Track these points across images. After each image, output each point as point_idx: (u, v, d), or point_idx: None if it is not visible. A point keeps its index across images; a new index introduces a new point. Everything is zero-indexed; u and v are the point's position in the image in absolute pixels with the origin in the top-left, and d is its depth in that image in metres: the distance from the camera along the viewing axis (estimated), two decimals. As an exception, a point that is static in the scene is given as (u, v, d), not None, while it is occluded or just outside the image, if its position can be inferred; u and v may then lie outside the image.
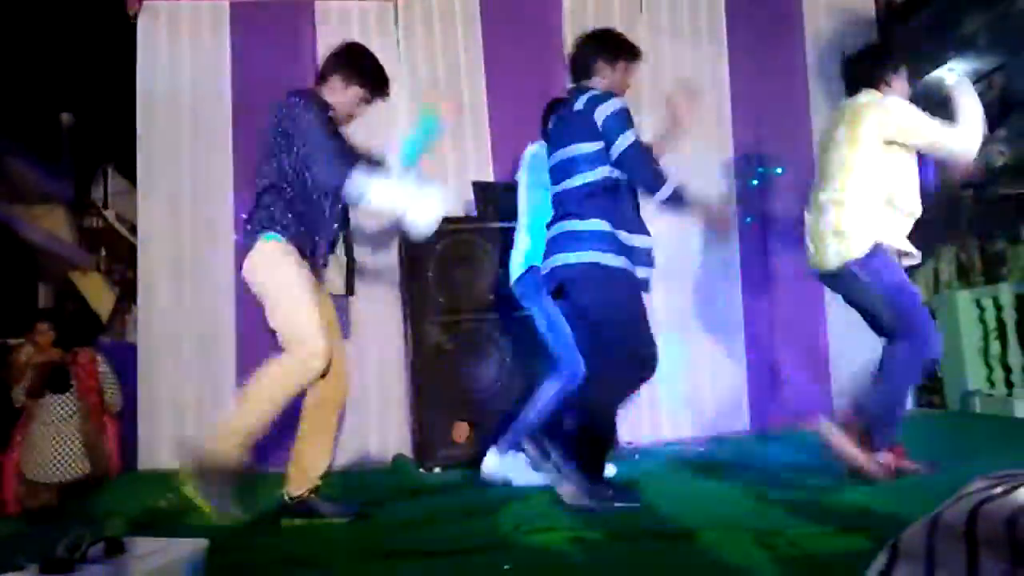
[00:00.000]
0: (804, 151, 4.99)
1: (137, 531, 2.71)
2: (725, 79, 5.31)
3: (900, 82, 3.42)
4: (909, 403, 3.27)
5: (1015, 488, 0.94)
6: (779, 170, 5.22)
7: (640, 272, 3.06)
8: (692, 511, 2.83)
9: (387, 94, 3.17)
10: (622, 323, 3.03)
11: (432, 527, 2.90)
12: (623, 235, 3.03)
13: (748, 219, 5.25)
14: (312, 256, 2.97)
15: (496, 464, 3.60)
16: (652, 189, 3.05)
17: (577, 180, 3.08)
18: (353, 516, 3.05)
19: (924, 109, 3.36)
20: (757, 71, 5.27)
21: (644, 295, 3.09)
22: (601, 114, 3.02)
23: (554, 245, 3.13)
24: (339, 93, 3.06)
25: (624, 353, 3.02)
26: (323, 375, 2.89)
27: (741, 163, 5.21)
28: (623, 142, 2.98)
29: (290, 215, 2.89)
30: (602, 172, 3.04)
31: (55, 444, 4.59)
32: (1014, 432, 4.46)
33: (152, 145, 4.87)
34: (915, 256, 3.43)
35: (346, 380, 3.12)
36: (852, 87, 3.47)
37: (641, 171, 3.04)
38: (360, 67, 3.10)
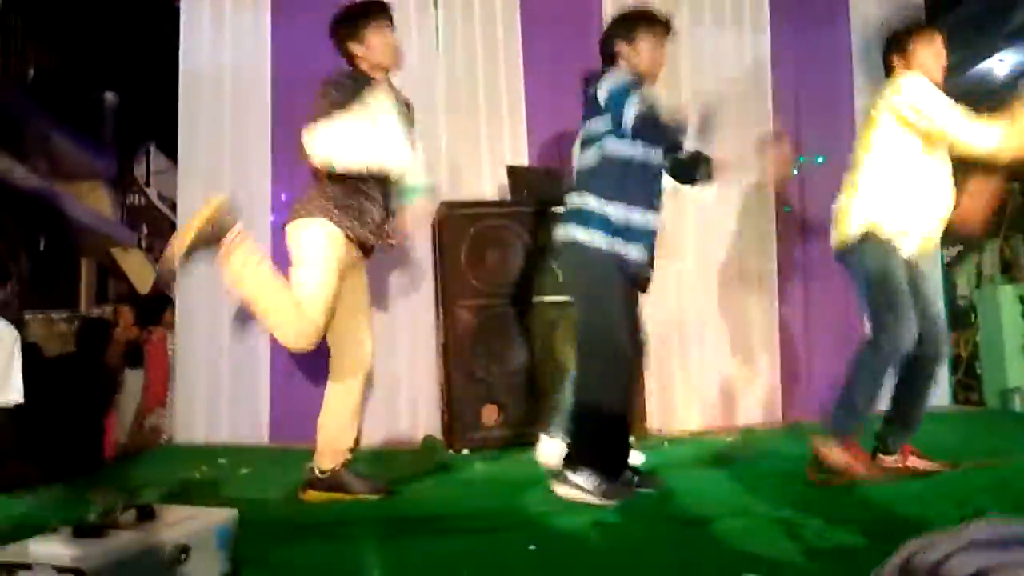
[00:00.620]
0: (846, 141, 4.87)
1: (171, 500, 2.77)
2: (767, 67, 5.23)
3: (928, 56, 3.21)
4: (879, 402, 3.10)
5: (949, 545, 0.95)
6: (820, 159, 5.14)
7: (632, 251, 2.93)
8: (719, 500, 2.82)
9: (389, 13, 3.19)
10: (593, 306, 2.94)
11: (458, 506, 2.91)
12: (619, 209, 2.90)
13: (787, 208, 5.19)
14: (360, 241, 3.06)
15: (551, 450, 3.44)
16: (674, 147, 3.03)
17: (584, 158, 3.05)
18: (382, 493, 3.08)
19: (973, 99, 3.25)
20: (800, 59, 5.20)
21: (639, 275, 2.99)
22: (604, 92, 2.96)
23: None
24: (360, 50, 3.14)
25: (595, 340, 2.92)
26: (348, 353, 3.09)
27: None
28: (628, 113, 2.87)
29: (343, 203, 3.00)
30: (607, 148, 2.96)
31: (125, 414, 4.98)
32: (1054, 431, 4.38)
33: (193, 124, 4.93)
34: (925, 252, 3.23)
35: (368, 355, 3.16)
36: (886, 70, 3.38)
37: (654, 134, 2.92)
38: (355, 15, 3.18)
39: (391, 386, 4.70)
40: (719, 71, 5.16)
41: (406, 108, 3.20)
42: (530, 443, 3.91)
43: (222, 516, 1.94)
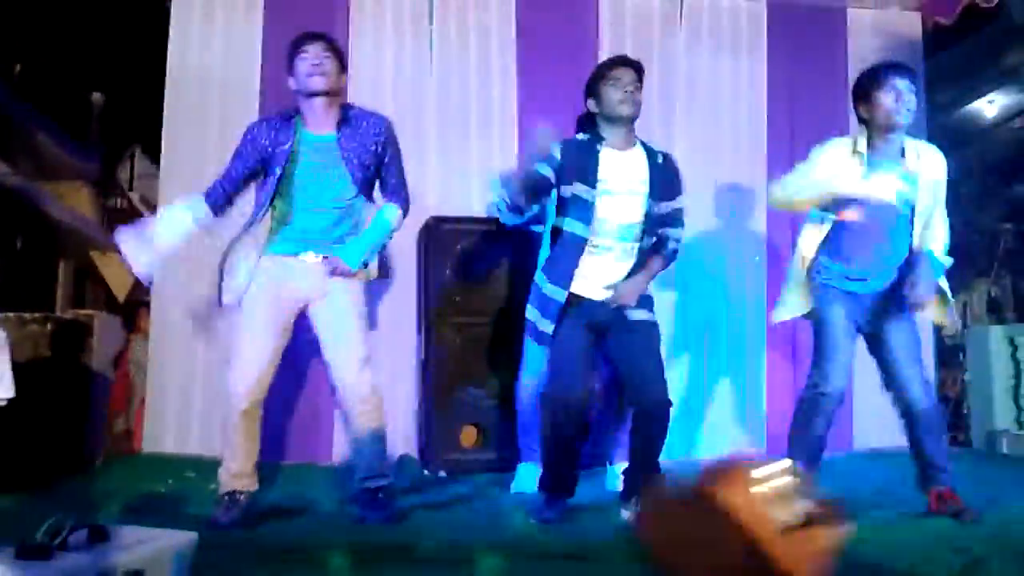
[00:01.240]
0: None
1: (131, 515, 2.64)
2: (763, 95, 5.19)
3: (870, 112, 3.10)
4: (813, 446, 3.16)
5: None
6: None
7: (540, 323, 3.02)
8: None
9: (311, 39, 3.02)
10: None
11: (431, 532, 2.79)
12: (559, 292, 3.00)
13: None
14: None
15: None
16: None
17: None
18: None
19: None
20: (796, 89, 5.15)
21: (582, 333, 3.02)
22: None
23: None
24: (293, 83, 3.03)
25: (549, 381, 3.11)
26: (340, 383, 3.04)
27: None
28: None
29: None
30: (551, 221, 3.10)
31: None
32: (1042, 475, 4.31)
33: (177, 128, 4.81)
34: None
35: (349, 375, 3.01)
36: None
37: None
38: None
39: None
40: (715, 97, 5.11)
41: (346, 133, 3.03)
42: (510, 468, 3.82)
43: (180, 540, 1.82)
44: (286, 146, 2.93)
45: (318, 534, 2.75)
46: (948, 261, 3.15)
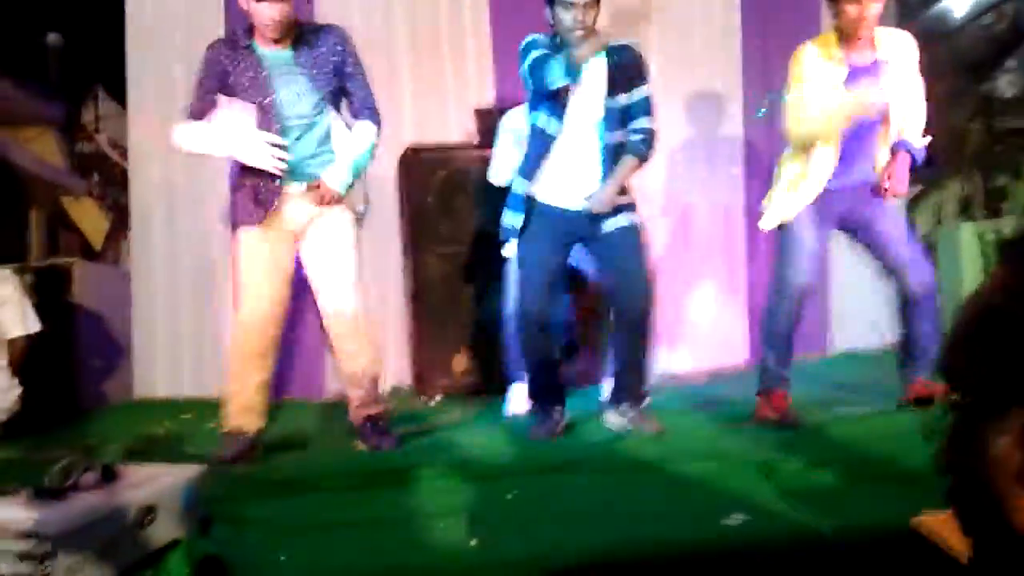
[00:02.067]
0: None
1: (132, 459, 2.70)
2: (736, 22, 5.09)
3: (836, 18, 3.05)
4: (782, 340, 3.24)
5: None
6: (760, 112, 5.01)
7: (509, 217, 3.09)
8: (695, 445, 2.82)
9: None
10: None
11: (430, 456, 2.87)
12: (524, 184, 3.06)
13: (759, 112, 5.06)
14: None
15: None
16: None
17: None
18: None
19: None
20: (770, 15, 5.07)
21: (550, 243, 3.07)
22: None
23: None
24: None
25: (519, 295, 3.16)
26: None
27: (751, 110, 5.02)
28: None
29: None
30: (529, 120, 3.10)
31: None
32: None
33: (142, 66, 4.72)
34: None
35: (339, 303, 3.03)
36: None
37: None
38: None
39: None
40: (687, 38, 5.00)
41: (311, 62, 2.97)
42: (501, 390, 3.91)
43: (188, 474, 1.87)
44: (250, 73, 2.90)
45: (319, 464, 2.82)
46: (924, 142, 3.19)
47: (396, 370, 4.61)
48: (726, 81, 4.97)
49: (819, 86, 3.02)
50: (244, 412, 2.94)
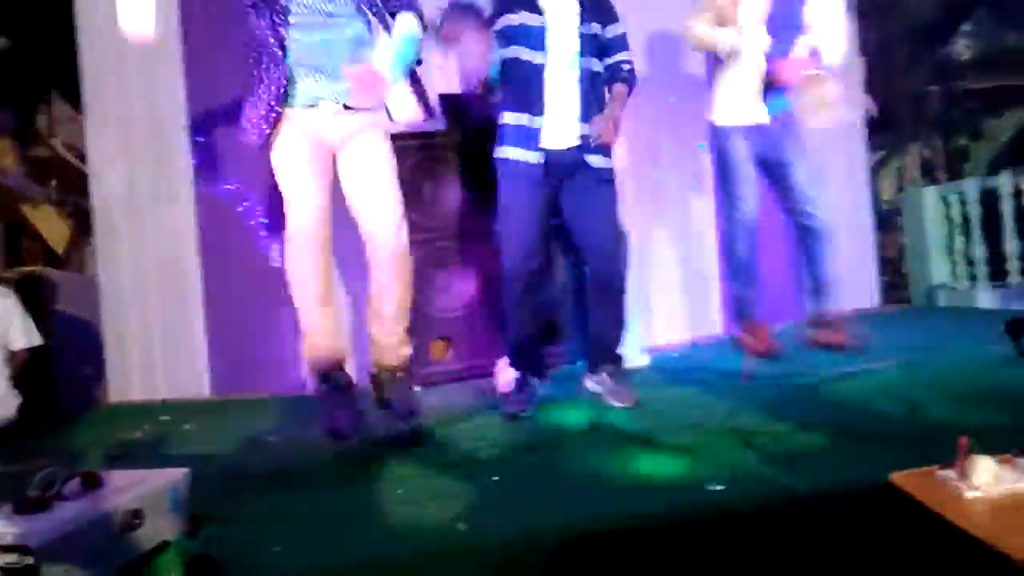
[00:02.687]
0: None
1: (113, 464, 2.68)
2: None
3: None
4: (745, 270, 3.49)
5: None
6: None
7: (529, 156, 2.99)
8: (673, 415, 2.85)
9: None
10: (500, 226, 3.10)
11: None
12: (515, 117, 3.01)
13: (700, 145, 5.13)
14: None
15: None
16: None
17: None
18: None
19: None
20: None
21: (535, 192, 3.01)
22: None
23: None
24: None
25: (501, 259, 3.08)
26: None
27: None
28: None
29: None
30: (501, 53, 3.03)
31: None
32: (977, 323, 4.55)
33: (97, 68, 4.64)
34: None
35: (382, 235, 2.86)
36: None
37: None
38: None
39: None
40: None
41: None
42: (480, 376, 3.91)
43: (173, 476, 1.86)
44: None
45: (303, 458, 2.80)
46: (838, 61, 3.38)
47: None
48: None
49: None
50: (331, 353, 2.85)
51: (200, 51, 4.58)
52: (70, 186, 9.64)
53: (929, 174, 6.70)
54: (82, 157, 8.99)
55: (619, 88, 3.08)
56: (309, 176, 2.79)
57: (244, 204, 4.76)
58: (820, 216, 3.33)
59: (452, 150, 4.23)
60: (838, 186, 5.45)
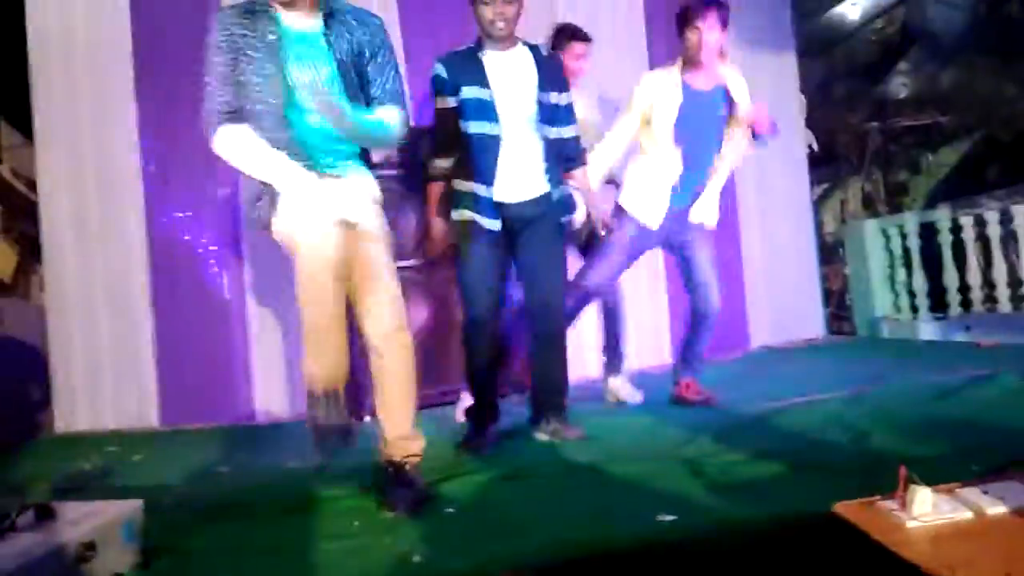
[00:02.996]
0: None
1: (63, 496, 2.64)
2: (640, 14, 5.28)
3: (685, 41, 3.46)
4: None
5: None
6: None
7: (485, 222, 3.04)
8: (623, 443, 2.91)
9: None
10: (461, 279, 3.16)
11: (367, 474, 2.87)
12: (471, 186, 3.07)
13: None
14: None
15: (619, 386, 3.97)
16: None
17: None
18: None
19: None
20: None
21: (494, 248, 3.08)
22: None
23: None
24: None
25: (463, 308, 3.17)
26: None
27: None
28: None
29: None
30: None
31: None
32: (919, 354, 4.71)
33: (47, 94, 4.60)
34: None
35: (382, 322, 2.51)
36: None
37: None
38: None
39: (293, 357, 4.60)
40: (595, 21, 5.13)
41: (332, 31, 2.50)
42: (439, 404, 3.93)
43: (127, 508, 1.86)
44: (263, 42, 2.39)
45: (255, 489, 2.79)
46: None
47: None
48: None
49: (660, 107, 3.45)
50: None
51: (152, 74, 4.58)
52: (17, 213, 9.45)
53: (870, 207, 6.92)
54: (30, 184, 8.84)
55: (580, 174, 3.25)
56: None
57: (196, 234, 4.75)
58: (714, 302, 3.60)
59: (402, 182, 4.26)
60: (782, 218, 5.63)
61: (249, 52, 2.38)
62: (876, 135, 6.78)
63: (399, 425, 2.54)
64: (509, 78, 3.05)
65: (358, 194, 2.51)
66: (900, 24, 7.68)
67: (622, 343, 3.99)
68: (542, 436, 3.16)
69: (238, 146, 2.38)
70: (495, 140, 3.04)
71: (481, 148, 3.04)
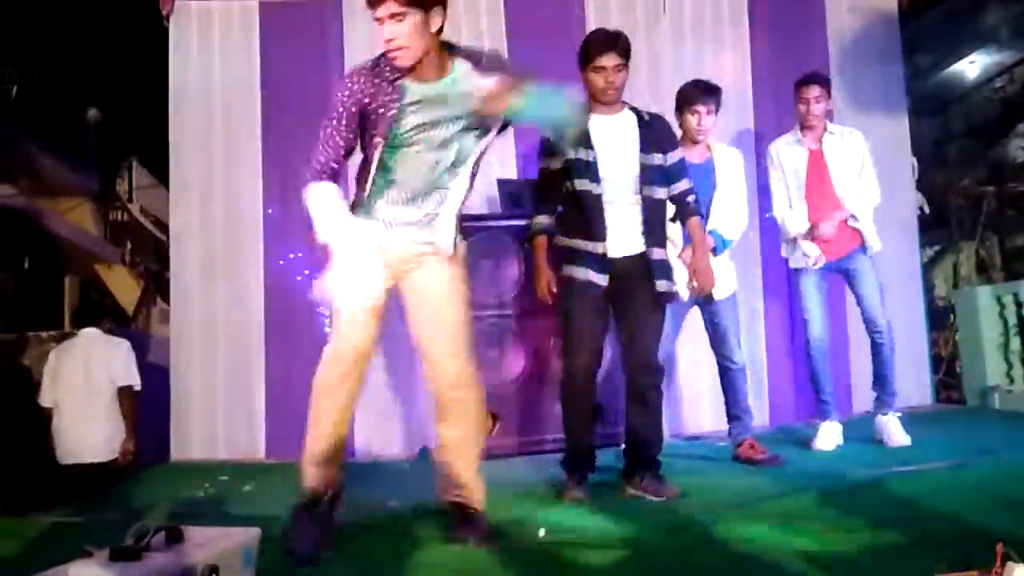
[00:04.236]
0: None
1: (179, 520, 2.80)
2: (747, 78, 5.33)
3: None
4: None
5: None
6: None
7: (591, 276, 3.13)
8: (716, 504, 2.90)
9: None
10: (564, 332, 3.25)
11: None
12: (578, 243, 3.18)
13: (768, 215, 5.28)
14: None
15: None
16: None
17: None
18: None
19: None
20: (779, 70, 5.28)
21: (597, 303, 3.16)
22: None
23: None
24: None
25: (564, 362, 3.25)
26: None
27: (763, 161, 5.22)
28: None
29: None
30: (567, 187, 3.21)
31: None
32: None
33: (183, 143, 4.98)
34: None
35: (442, 367, 2.59)
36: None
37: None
38: None
39: (387, 399, 4.76)
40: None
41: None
42: (528, 453, 4.00)
43: (247, 535, 1.99)
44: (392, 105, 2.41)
45: (359, 525, 2.87)
46: (735, 237, 3.97)
47: (422, 434, 4.74)
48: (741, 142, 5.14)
49: None
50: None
51: (283, 126, 4.88)
52: (143, 249, 10.13)
53: (984, 272, 6.66)
54: (157, 223, 9.48)
55: (694, 223, 3.32)
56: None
57: (307, 274, 4.99)
58: (739, 359, 3.86)
59: (505, 232, 4.40)
60: (890, 282, 5.49)
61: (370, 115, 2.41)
62: (991, 199, 6.55)
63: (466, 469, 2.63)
64: (613, 141, 3.17)
65: (429, 249, 2.59)
66: (1021, 84, 7.43)
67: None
68: (633, 492, 3.18)
69: (318, 203, 2.45)
70: (599, 199, 3.14)
71: (586, 206, 3.15)
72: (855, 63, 5.40)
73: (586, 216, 3.15)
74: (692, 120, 3.77)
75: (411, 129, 2.45)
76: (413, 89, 2.43)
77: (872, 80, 5.47)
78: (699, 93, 3.79)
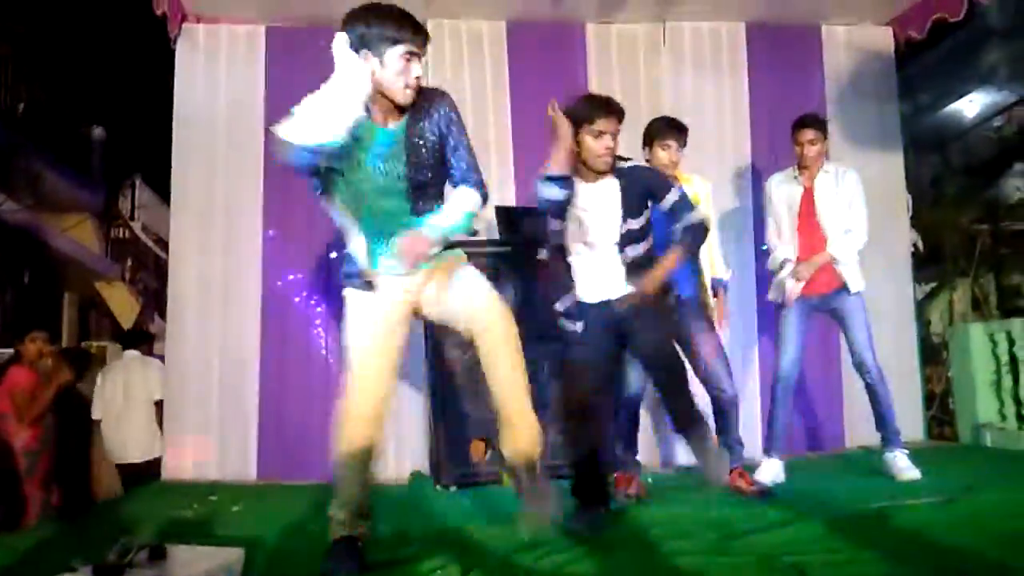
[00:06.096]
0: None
1: (165, 539, 2.81)
2: (745, 112, 5.40)
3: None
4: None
5: None
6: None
7: (568, 325, 3.21)
8: (709, 537, 2.90)
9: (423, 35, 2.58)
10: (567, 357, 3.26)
11: (453, 540, 2.95)
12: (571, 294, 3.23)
13: (764, 247, 5.32)
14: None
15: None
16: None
17: None
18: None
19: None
20: (776, 104, 5.35)
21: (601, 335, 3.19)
22: None
23: None
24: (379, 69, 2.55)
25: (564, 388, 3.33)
26: None
27: (760, 194, 5.27)
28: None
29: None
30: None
31: None
32: (1021, 464, 4.50)
33: (186, 164, 5.03)
34: None
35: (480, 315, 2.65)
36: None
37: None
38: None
39: (388, 419, 4.76)
40: (700, 117, 5.29)
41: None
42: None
43: (230, 556, 2.01)
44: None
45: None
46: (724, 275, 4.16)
47: (412, 458, 4.76)
48: (738, 186, 5.21)
49: None
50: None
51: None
52: (143, 266, 10.18)
53: (979, 309, 6.70)
54: (158, 240, 9.53)
55: (674, 250, 3.21)
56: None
57: (304, 296, 5.03)
58: (728, 389, 3.76)
59: (502, 259, 4.43)
60: (883, 318, 5.51)
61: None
62: (985, 238, 6.60)
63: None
64: (597, 206, 3.16)
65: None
66: (1020, 123, 7.49)
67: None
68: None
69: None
70: (582, 259, 3.22)
71: (578, 260, 3.22)
72: (851, 100, 5.47)
73: (576, 267, 3.22)
74: (663, 155, 3.85)
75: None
76: (379, 131, 2.60)
77: (868, 117, 5.53)
78: (671, 128, 3.89)
